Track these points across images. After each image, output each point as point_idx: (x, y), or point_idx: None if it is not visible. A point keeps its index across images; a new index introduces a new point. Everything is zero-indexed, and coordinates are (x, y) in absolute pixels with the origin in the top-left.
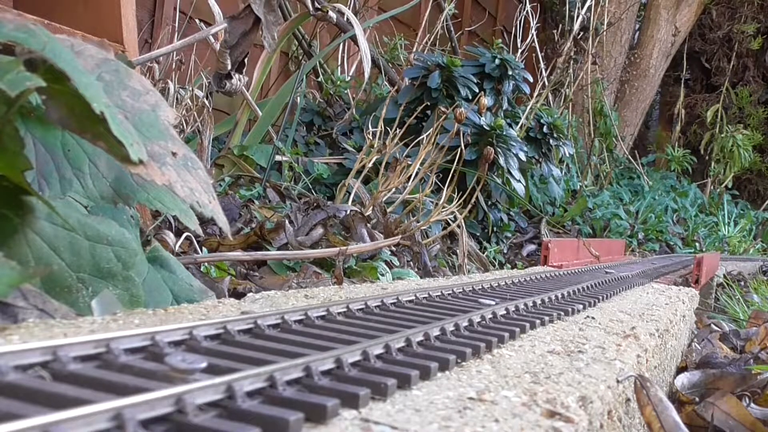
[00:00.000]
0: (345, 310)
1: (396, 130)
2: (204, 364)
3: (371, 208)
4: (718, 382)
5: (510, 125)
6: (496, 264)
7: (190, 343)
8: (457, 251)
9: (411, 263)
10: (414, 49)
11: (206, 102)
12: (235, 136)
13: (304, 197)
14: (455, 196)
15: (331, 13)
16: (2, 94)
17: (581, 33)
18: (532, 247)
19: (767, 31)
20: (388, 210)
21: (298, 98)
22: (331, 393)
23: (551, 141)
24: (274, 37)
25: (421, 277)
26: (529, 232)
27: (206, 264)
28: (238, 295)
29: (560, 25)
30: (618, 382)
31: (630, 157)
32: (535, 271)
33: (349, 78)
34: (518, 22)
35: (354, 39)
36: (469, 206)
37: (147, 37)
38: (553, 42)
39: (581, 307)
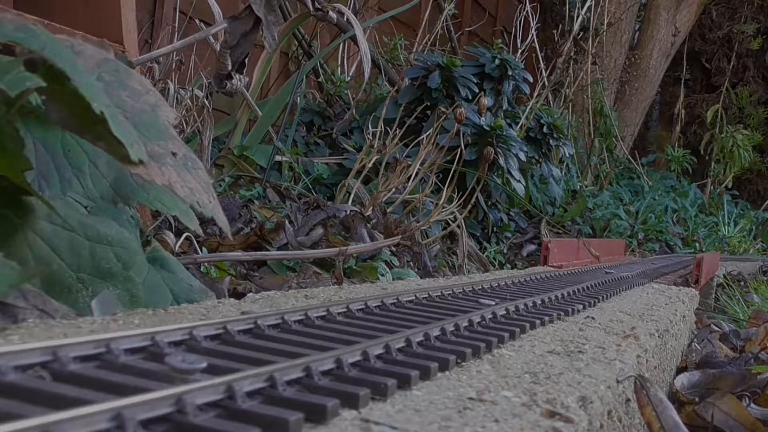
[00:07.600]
0: (345, 310)
1: (396, 130)
2: (204, 365)
3: (371, 208)
4: (718, 382)
5: (510, 125)
6: (496, 264)
7: (190, 343)
8: (457, 251)
9: (411, 263)
10: (414, 49)
11: (206, 102)
12: (235, 136)
13: (304, 197)
14: (455, 196)
15: (331, 14)
16: (2, 94)
17: (581, 33)
18: (532, 247)
19: (767, 31)
20: (388, 210)
21: (298, 98)
22: (331, 393)
23: (551, 141)
24: (275, 37)
25: (421, 277)
26: (529, 232)
27: (206, 264)
28: (238, 295)
29: (560, 25)
30: (618, 382)
31: (630, 157)
32: (535, 271)
33: (349, 78)
34: (518, 22)
35: (354, 39)
36: (469, 206)
37: (147, 37)
38: (553, 42)
39: (581, 307)
